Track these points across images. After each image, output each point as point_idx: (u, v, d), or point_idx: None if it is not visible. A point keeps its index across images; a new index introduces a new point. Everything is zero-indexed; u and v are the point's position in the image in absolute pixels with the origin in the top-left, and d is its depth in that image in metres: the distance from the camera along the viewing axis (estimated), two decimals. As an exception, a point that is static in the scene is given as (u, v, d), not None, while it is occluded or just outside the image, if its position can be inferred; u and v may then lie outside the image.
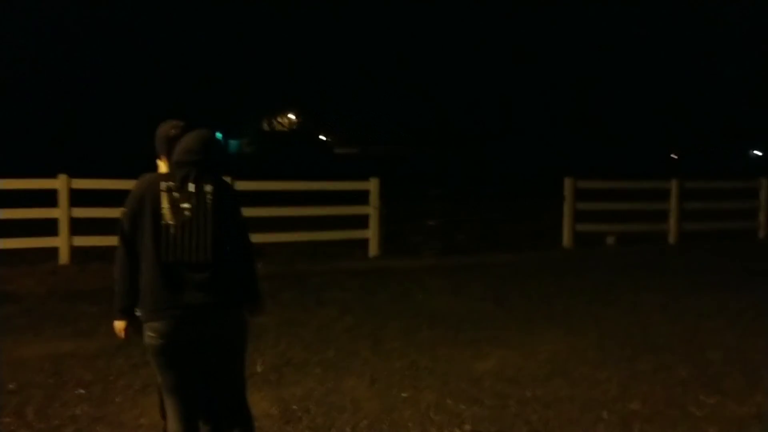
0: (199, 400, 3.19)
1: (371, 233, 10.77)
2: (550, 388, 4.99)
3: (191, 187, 3.03)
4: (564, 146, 55.39)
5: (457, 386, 5.02)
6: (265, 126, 71.79)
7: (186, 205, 3.02)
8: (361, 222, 10.76)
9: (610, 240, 12.13)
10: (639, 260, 10.62)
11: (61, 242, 9.33)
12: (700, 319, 6.91)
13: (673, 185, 12.54)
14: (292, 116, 72.54)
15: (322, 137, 71.65)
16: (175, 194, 3.03)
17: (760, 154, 65.50)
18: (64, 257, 9.32)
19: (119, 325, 3.19)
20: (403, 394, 4.87)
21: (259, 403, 4.59)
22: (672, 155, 57.95)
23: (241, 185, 9.93)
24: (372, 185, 10.86)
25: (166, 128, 3.35)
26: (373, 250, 10.74)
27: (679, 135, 62.79)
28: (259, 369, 5.27)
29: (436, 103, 68.82)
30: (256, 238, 10.10)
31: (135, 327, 3.15)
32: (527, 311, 7.27)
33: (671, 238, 12.44)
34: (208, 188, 3.05)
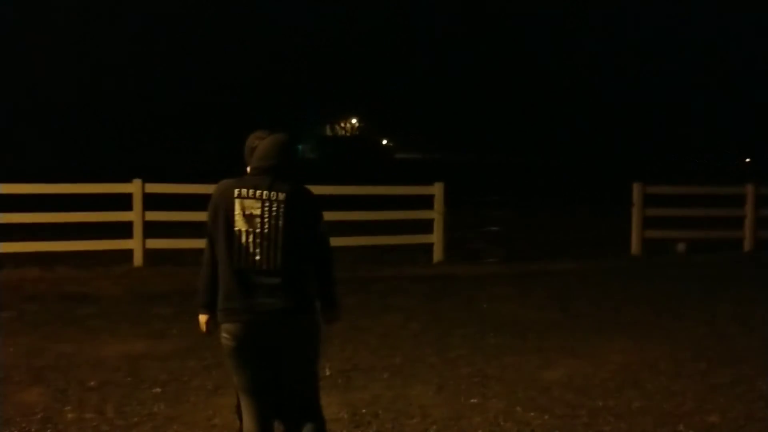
0: (273, 401, 3.26)
1: (436, 238, 10.75)
2: (622, 399, 4.89)
3: (264, 194, 3.09)
4: (634, 152, 54.18)
5: (525, 395, 4.96)
6: (328, 131, 72.59)
7: (257, 212, 3.07)
8: (423, 227, 10.75)
9: (680, 247, 11.78)
10: (711, 268, 10.29)
11: (135, 244, 9.63)
12: (779, 331, 6.66)
13: (749, 190, 12.10)
14: (354, 121, 73.14)
15: (383, 142, 71.97)
16: (247, 201, 3.09)
17: None
18: (137, 259, 9.61)
19: (201, 318, 3.33)
20: (472, 401, 4.84)
21: (329, 406, 4.61)
22: (746, 159, 55.94)
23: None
24: (437, 190, 10.83)
25: (251, 139, 3.43)
26: (437, 255, 10.71)
27: (752, 139, 60.64)
28: (327, 373, 5.32)
29: (498, 109, 68.31)
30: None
31: (215, 322, 3.25)
32: (595, 320, 7.13)
33: (746, 246, 12.00)
34: (282, 196, 3.10)
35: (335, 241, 10.77)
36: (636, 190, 11.67)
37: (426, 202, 10.87)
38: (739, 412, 4.67)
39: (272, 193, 3.10)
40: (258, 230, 3.07)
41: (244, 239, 3.07)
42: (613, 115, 64.85)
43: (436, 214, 10.76)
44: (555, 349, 6.03)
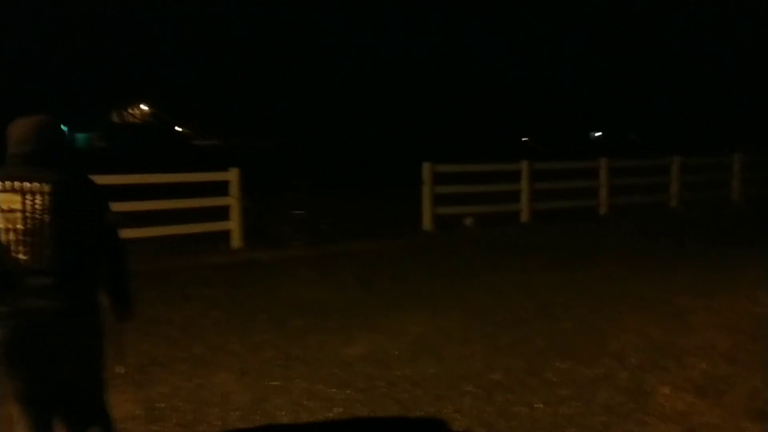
0: (51, 409, 3.03)
1: (233, 225, 10.59)
2: (418, 367, 5.16)
3: (25, 186, 2.78)
4: (420, 134, 56.86)
5: (328, 372, 5.07)
6: (115, 118, 68.38)
7: (17, 206, 2.77)
8: (225, 214, 10.55)
9: (468, 221, 12.63)
10: (495, 240, 11.15)
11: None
12: (553, 294, 7.37)
13: (524, 166, 13.24)
14: (144, 107, 69.55)
15: (178, 129, 69.22)
16: (5, 195, 2.78)
17: (599, 134, 70.33)
18: None
19: None
20: (274, 383, 4.86)
21: (123, 405, 4.42)
22: (524, 138, 60.94)
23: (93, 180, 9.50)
24: (232, 175, 10.66)
25: (11, 126, 3.11)
26: (236, 242, 10.57)
27: (530, 119, 66.17)
28: (122, 371, 5.06)
29: (297, 94, 68.45)
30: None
31: None
32: (393, 295, 7.44)
33: (524, 217, 13.13)
34: (47, 187, 2.79)
35: (130, 233, 10.32)
36: (426, 169, 12.30)
37: (223, 188, 10.67)
38: (520, 368, 5.12)
39: (34, 184, 2.79)
40: (20, 227, 2.77)
41: (4, 238, 2.77)
42: (409, 101, 67.67)
43: (232, 200, 10.59)
44: (357, 326, 6.21)
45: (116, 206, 9.92)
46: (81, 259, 2.93)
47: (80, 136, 62.60)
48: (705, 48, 61.85)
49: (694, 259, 9.20)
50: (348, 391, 4.71)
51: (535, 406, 4.45)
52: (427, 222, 12.23)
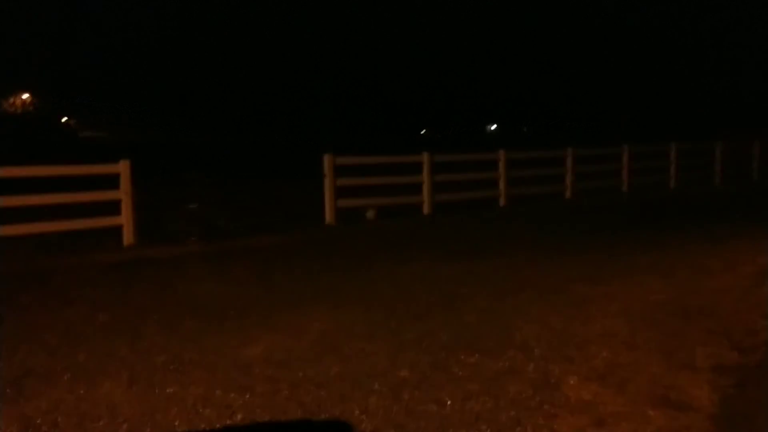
0: None
1: (124, 220, 10.01)
2: (321, 367, 4.93)
3: None
4: (320, 126, 56.46)
5: (225, 376, 4.76)
6: (-7, 107, 64.08)
7: None
8: (114, 209, 9.94)
9: (369, 214, 12.50)
10: (397, 232, 11.07)
11: None
12: (456, 286, 7.31)
13: (425, 158, 13.23)
14: (25, 96, 65.56)
15: (63, 119, 65.67)
16: None
17: (494, 127, 72.16)
18: None
19: None
20: (168, 391, 4.51)
21: (-5, 423, 3.97)
22: (422, 131, 61.68)
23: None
24: (122, 168, 10.07)
25: None
26: (127, 238, 9.99)
27: (429, 113, 66.98)
28: (-8, 384, 4.58)
29: (192, 84, 66.39)
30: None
31: None
32: (294, 292, 7.18)
33: (425, 209, 13.14)
34: None
35: (5, 230, 9.56)
36: (327, 161, 12.07)
37: (113, 182, 10.05)
38: (426, 363, 4.99)
39: None
40: None
41: None
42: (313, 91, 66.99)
43: (123, 194, 10.01)
44: (255, 326, 5.91)
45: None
46: None
47: (-46, 128, 58.41)
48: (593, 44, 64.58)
49: (589, 248, 9.43)
50: (248, 396, 4.43)
51: (444, 402, 4.32)
52: (328, 215, 12.00)
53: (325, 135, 44.07)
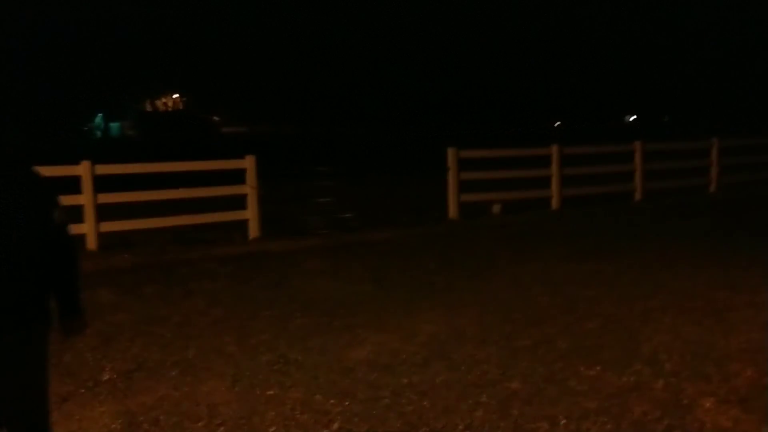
0: None
1: (250, 214, 10.20)
2: (427, 374, 4.67)
3: None
4: (449, 120, 56.12)
5: (327, 379, 4.62)
6: (148, 107, 68.83)
7: None
8: (242, 204, 10.16)
9: (495, 208, 12.07)
10: (522, 228, 10.59)
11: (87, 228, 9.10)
12: (580, 288, 6.81)
13: (554, 151, 12.61)
14: (176, 96, 69.85)
15: (208, 117, 69.39)
16: None
17: (634, 117, 68.78)
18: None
19: None
20: (268, 393, 4.42)
21: (100, 418, 4.04)
22: (556, 123, 59.80)
23: (100, 169, 9.20)
24: (248, 163, 10.26)
25: None
26: (253, 232, 10.18)
27: (561, 104, 64.92)
28: (105, 377, 4.69)
29: (323, 81, 68.03)
30: (120, 225, 9.43)
31: None
32: (407, 290, 6.95)
33: (554, 204, 12.53)
34: None
35: (139, 224, 10.01)
36: (450, 154, 11.75)
37: (241, 176, 10.28)
38: (540, 375, 4.60)
39: None
40: None
41: None
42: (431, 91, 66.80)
43: (248, 189, 10.20)
44: (363, 326, 5.74)
45: (124, 196, 9.67)
46: (20, 263, 2.53)
47: (113, 125, 63.14)
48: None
49: (733, 249, 8.53)
50: (347, 402, 4.25)
51: (557, 421, 3.94)
52: (452, 209, 11.69)
53: (454, 129, 43.68)
